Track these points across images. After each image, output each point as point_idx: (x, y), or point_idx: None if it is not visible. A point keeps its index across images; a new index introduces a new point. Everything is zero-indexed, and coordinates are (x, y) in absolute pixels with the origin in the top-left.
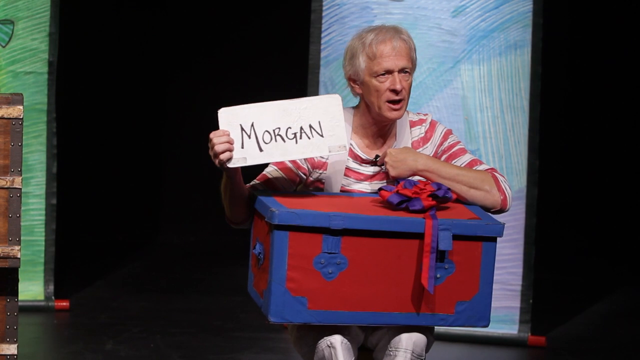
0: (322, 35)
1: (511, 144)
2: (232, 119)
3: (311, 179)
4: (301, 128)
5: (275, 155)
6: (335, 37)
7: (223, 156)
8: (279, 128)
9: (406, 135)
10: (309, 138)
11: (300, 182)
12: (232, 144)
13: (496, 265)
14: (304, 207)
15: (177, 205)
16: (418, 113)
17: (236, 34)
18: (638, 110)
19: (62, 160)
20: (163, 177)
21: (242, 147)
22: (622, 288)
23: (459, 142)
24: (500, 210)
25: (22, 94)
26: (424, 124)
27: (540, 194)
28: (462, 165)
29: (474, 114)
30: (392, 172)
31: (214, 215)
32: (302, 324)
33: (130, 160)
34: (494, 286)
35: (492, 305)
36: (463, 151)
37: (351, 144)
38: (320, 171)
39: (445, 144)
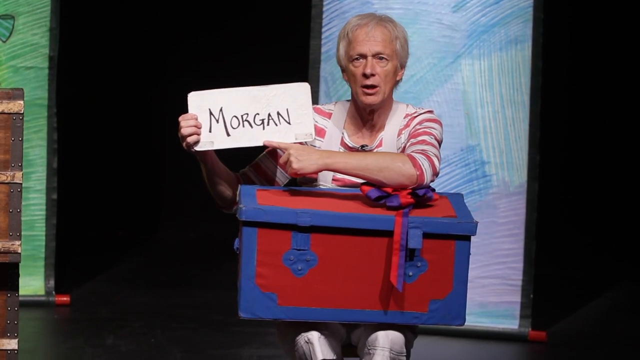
0: (323, 30)
1: (512, 139)
2: (201, 103)
3: None
4: (269, 115)
5: (242, 140)
6: (335, 32)
7: (190, 139)
8: (247, 114)
9: (395, 126)
10: (276, 125)
11: None
12: (199, 127)
13: (497, 260)
14: (276, 203)
15: (177, 201)
16: (420, 107)
17: (236, 29)
18: (639, 105)
19: (63, 156)
20: (163, 172)
21: (210, 131)
22: (623, 283)
23: (432, 128)
24: (420, 185)
25: (22, 89)
26: (414, 114)
27: (541, 188)
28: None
29: (474, 109)
30: (295, 165)
31: (214, 210)
32: (274, 320)
33: (130, 156)
34: (495, 281)
35: (493, 300)
36: (423, 134)
37: (342, 134)
38: None
39: (417, 127)
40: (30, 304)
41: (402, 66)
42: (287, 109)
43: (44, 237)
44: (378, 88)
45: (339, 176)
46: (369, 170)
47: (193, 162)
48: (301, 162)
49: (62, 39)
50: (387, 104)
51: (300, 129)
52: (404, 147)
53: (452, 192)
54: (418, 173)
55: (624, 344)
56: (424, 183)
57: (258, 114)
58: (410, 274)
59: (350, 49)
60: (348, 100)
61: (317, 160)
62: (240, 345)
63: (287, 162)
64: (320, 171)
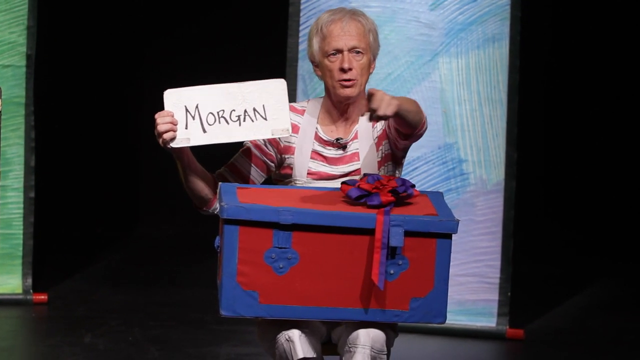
0: (300, 28)
1: (489, 136)
2: (177, 100)
3: (283, 165)
4: (245, 111)
5: (219, 136)
6: None
7: (166, 136)
8: (223, 110)
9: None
10: (252, 121)
11: (269, 169)
12: (175, 124)
13: (474, 258)
14: (257, 201)
15: (156, 198)
16: None
17: (214, 27)
18: (616, 101)
19: (40, 154)
20: (141, 169)
21: (186, 128)
22: (601, 280)
23: None
24: (423, 130)
25: (0, 88)
26: None
27: (519, 186)
28: None
29: (452, 107)
30: (391, 109)
31: (192, 208)
32: (255, 318)
33: (108, 153)
34: (472, 279)
35: (471, 298)
36: None
37: (316, 128)
38: (288, 156)
39: None
40: (8, 303)
41: (374, 58)
42: (263, 105)
43: (21, 236)
44: (355, 81)
45: (313, 169)
46: (415, 112)
47: (171, 159)
48: (392, 106)
49: (40, 38)
50: (360, 97)
51: (277, 124)
52: (384, 130)
53: (430, 190)
54: (425, 117)
55: (601, 341)
56: (424, 128)
57: (234, 110)
58: (392, 272)
59: (325, 44)
60: (321, 97)
61: (393, 101)
62: (218, 343)
63: (379, 106)
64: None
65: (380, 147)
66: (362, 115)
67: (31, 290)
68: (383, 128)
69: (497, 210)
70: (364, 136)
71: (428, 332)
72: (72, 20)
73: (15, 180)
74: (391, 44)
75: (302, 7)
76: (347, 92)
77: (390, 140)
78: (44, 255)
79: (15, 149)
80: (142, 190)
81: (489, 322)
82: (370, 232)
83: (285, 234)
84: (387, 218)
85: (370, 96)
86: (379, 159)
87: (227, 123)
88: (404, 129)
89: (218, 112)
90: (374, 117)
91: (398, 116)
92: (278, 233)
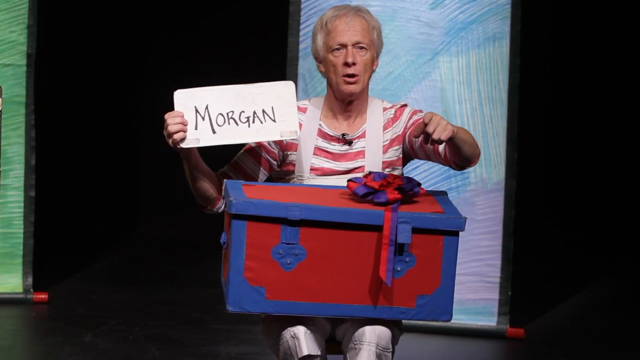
0: (301, 27)
1: (490, 136)
2: (187, 100)
3: (286, 161)
4: (254, 112)
5: (228, 137)
6: None
7: (176, 136)
8: (233, 112)
9: (377, 118)
10: (261, 122)
11: (271, 167)
12: (185, 125)
13: (475, 257)
14: (265, 197)
15: (156, 198)
16: (395, 103)
17: (214, 26)
18: (617, 101)
19: (41, 153)
20: (141, 169)
21: (196, 129)
22: (602, 280)
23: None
24: (475, 164)
25: (0, 87)
26: (395, 107)
27: (520, 185)
28: None
29: (452, 106)
30: (446, 134)
31: (192, 207)
32: (262, 314)
33: (108, 153)
34: (472, 278)
35: (471, 297)
36: None
37: (320, 124)
38: (291, 152)
39: (414, 118)
40: (8, 302)
41: (377, 56)
42: (272, 107)
43: (22, 235)
44: (358, 77)
45: (316, 165)
46: (471, 145)
47: (171, 159)
48: (447, 131)
49: (40, 37)
50: (364, 93)
51: (285, 126)
52: (402, 134)
53: (432, 189)
54: (480, 152)
55: (602, 340)
56: (477, 162)
57: (243, 111)
58: (399, 269)
59: (329, 39)
60: (322, 96)
61: (449, 126)
62: (218, 342)
63: (435, 129)
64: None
65: (390, 150)
66: (416, 137)
67: (31, 290)
68: (399, 133)
69: (498, 209)
70: (373, 136)
71: (428, 331)
72: (72, 19)
73: (15, 180)
74: (391, 42)
75: (302, 6)
76: (351, 88)
77: (409, 150)
78: (45, 255)
79: (16, 148)
80: (142, 190)
81: (489, 321)
82: (378, 228)
83: (293, 230)
84: (395, 215)
85: (426, 120)
86: (385, 160)
87: (237, 124)
88: (458, 159)
89: (227, 113)
90: (430, 141)
91: (452, 143)
92: (286, 229)
